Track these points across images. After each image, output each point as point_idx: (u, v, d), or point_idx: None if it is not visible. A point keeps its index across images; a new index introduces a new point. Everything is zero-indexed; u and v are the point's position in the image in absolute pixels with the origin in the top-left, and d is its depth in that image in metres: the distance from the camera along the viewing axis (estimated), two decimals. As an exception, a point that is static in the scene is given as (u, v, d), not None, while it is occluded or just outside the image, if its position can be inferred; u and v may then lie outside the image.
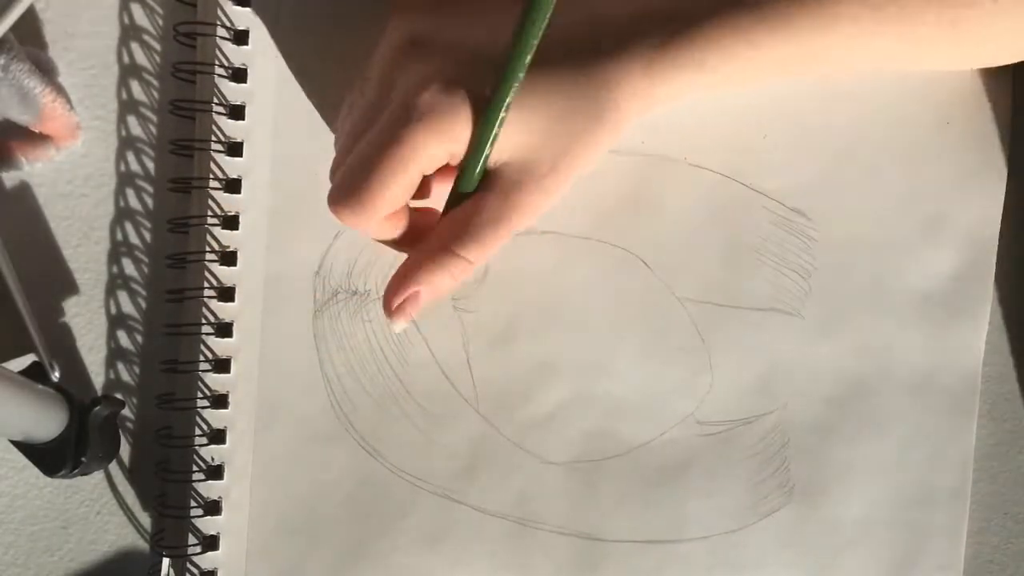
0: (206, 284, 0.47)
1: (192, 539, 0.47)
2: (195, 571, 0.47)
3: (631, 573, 0.49)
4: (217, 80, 0.47)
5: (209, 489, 0.47)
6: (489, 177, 0.40)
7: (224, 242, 0.47)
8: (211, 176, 0.47)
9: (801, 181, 0.50)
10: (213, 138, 0.47)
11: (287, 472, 0.47)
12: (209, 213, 0.47)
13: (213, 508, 0.47)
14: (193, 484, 0.47)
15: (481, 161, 0.39)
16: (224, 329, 0.47)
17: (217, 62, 0.47)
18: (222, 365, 0.47)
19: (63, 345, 0.47)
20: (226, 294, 0.47)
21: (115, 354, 0.48)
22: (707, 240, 0.49)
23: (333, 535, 0.48)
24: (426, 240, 0.42)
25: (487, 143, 0.39)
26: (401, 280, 0.42)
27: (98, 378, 0.48)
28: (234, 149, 0.47)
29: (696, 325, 0.49)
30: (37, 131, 0.46)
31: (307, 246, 0.47)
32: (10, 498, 0.47)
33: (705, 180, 0.50)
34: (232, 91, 0.47)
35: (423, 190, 0.42)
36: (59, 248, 0.47)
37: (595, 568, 0.49)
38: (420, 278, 0.41)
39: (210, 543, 0.47)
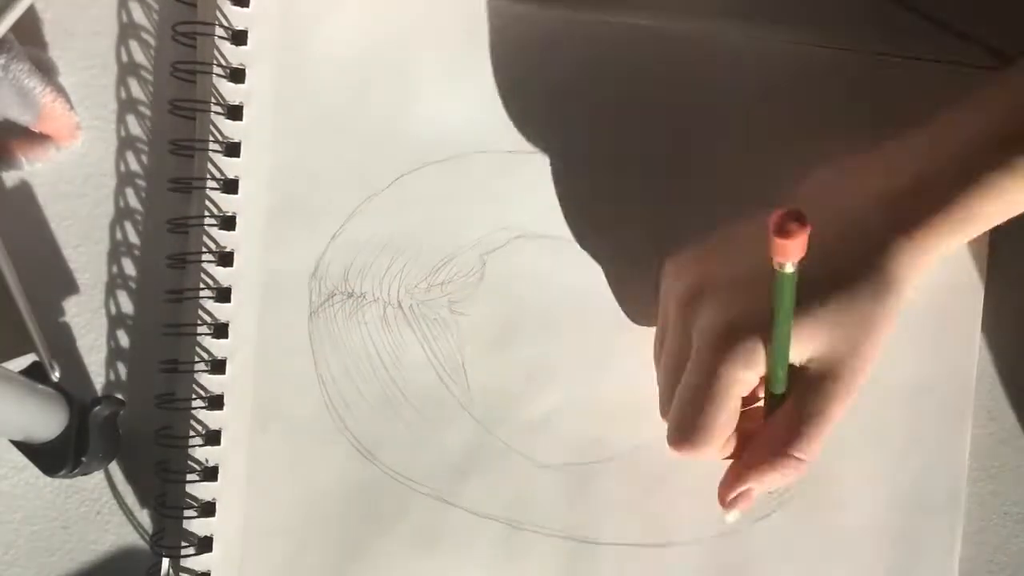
0: (203, 285, 0.47)
1: (186, 540, 0.47)
2: (189, 574, 0.47)
3: (623, 576, 0.50)
4: (215, 80, 0.47)
5: (204, 490, 0.47)
6: (800, 377, 0.43)
7: (221, 242, 0.47)
8: (209, 176, 0.47)
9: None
10: (211, 138, 0.47)
11: (282, 474, 0.47)
12: (206, 213, 0.47)
13: (208, 509, 0.47)
14: (188, 485, 0.47)
15: (782, 370, 0.42)
16: (220, 330, 0.47)
17: (215, 62, 0.47)
18: (218, 366, 0.47)
19: (63, 345, 0.48)
20: (222, 295, 0.47)
21: (115, 354, 0.48)
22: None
23: (327, 537, 0.48)
24: (755, 444, 0.44)
25: (783, 356, 0.41)
26: (736, 479, 0.44)
27: (98, 378, 0.48)
28: (232, 150, 0.47)
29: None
30: (37, 131, 0.46)
31: (304, 247, 0.48)
32: (10, 498, 0.47)
33: (705, 185, 0.50)
34: (230, 91, 0.47)
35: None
36: (59, 248, 0.48)
37: (588, 571, 0.49)
38: (754, 478, 0.44)
39: (204, 544, 0.47)
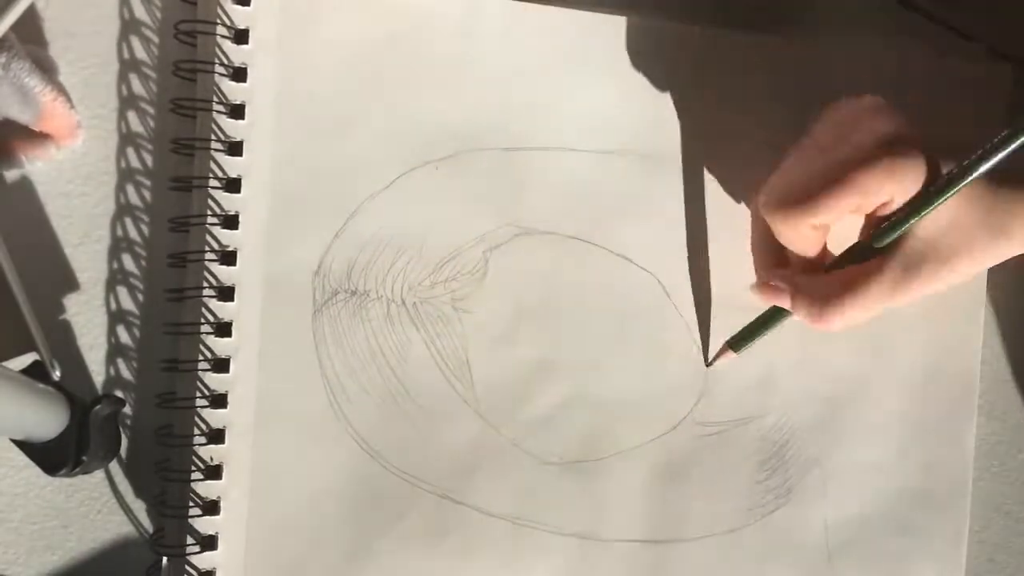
0: (206, 283, 0.47)
1: (190, 539, 0.47)
2: (194, 572, 0.47)
3: (629, 573, 0.49)
4: (217, 79, 0.47)
5: (208, 489, 0.47)
6: (893, 248, 0.44)
7: (224, 241, 0.47)
8: (211, 175, 0.47)
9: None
10: (213, 137, 0.47)
11: (286, 472, 0.47)
12: (209, 212, 0.47)
13: (212, 508, 0.47)
14: (192, 484, 0.47)
15: (907, 224, 0.42)
16: (223, 329, 0.47)
17: (217, 61, 0.47)
18: (221, 365, 0.47)
19: (64, 343, 0.47)
20: (226, 293, 0.47)
21: (116, 352, 0.48)
22: (705, 242, 0.50)
23: (331, 535, 0.48)
24: (816, 272, 0.46)
25: (927, 210, 0.42)
26: (784, 277, 0.46)
27: (98, 376, 0.48)
28: (234, 148, 0.47)
29: (694, 326, 0.50)
30: (37, 130, 0.46)
31: (307, 246, 0.47)
32: (10, 497, 0.47)
33: (705, 183, 0.50)
34: (232, 90, 0.47)
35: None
36: (60, 246, 0.47)
37: (593, 568, 0.49)
38: (797, 293, 0.45)
39: (208, 543, 0.47)
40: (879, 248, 0.44)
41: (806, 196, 0.42)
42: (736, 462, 0.50)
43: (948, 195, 0.42)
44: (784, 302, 0.46)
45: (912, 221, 0.43)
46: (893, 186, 0.42)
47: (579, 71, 0.49)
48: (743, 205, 0.50)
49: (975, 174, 0.42)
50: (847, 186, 0.42)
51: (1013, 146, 0.41)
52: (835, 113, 0.44)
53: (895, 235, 0.43)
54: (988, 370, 0.53)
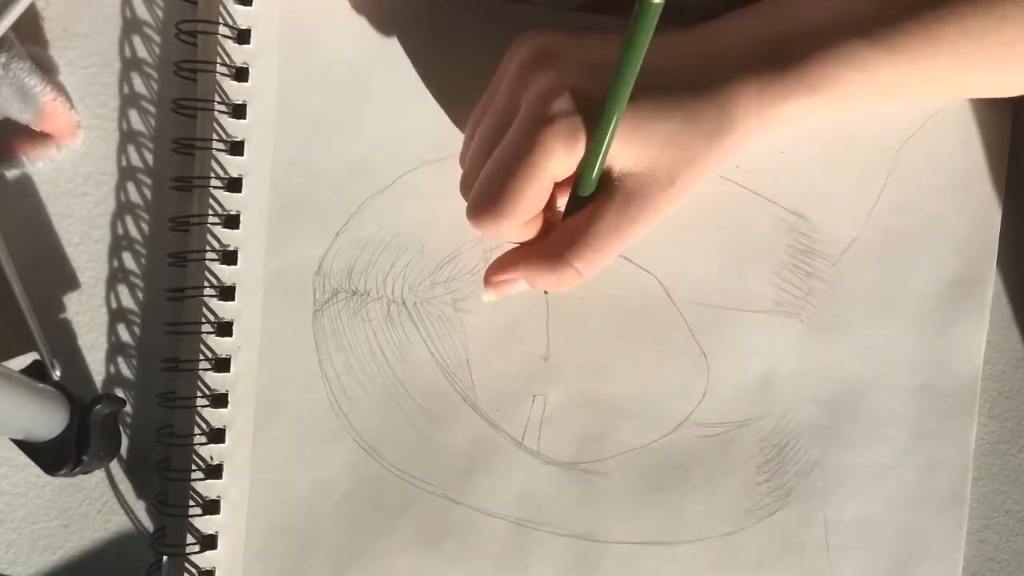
0: (206, 283, 0.47)
1: (191, 538, 0.47)
2: (194, 571, 0.47)
3: (629, 574, 0.49)
4: (219, 78, 0.47)
5: (208, 488, 0.47)
6: (609, 187, 0.41)
7: (225, 241, 0.47)
8: (212, 175, 0.47)
9: (802, 184, 0.49)
10: (215, 136, 0.47)
11: (286, 471, 0.47)
12: (210, 212, 0.47)
13: (212, 507, 0.47)
14: (192, 483, 0.47)
15: (597, 165, 0.40)
16: (224, 328, 0.47)
17: (219, 60, 0.47)
18: (222, 364, 0.47)
19: (64, 343, 0.47)
20: (226, 293, 0.47)
21: (116, 352, 0.48)
22: (707, 242, 0.49)
23: (331, 534, 0.48)
24: (542, 240, 0.43)
25: (602, 147, 0.39)
26: (509, 263, 0.44)
27: (99, 376, 0.48)
28: (236, 148, 0.47)
29: (695, 327, 0.49)
30: (38, 130, 0.46)
31: (308, 245, 0.47)
32: (11, 496, 0.47)
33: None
34: (234, 90, 0.47)
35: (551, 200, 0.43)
36: (61, 246, 0.47)
37: (593, 569, 0.49)
38: (527, 272, 0.43)
39: (209, 542, 0.47)
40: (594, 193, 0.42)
41: (491, 203, 0.40)
42: (736, 464, 0.50)
43: (607, 139, 0.39)
44: (520, 286, 0.44)
45: (598, 164, 0.40)
46: (570, 149, 0.39)
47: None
48: (743, 204, 0.50)
49: (615, 115, 0.38)
50: (530, 176, 0.40)
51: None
52: (503, 73, 0.43)
53: (593, 180, 0.41)
54: (988, 368, 0.53)
